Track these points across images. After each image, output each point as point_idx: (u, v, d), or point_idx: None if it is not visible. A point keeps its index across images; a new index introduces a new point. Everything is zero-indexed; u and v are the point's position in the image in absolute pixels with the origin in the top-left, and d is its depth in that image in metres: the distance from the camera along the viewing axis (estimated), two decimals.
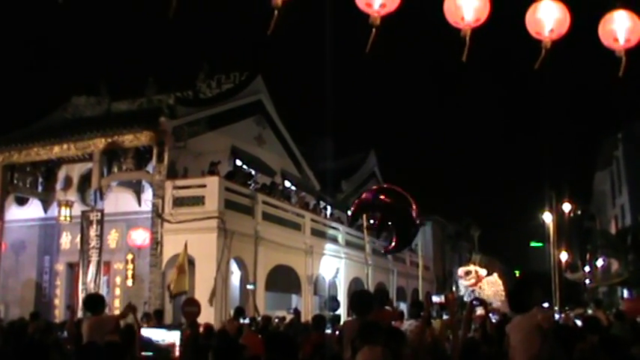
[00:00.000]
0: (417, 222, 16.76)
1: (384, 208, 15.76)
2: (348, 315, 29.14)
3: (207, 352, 7.77)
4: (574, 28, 7.62)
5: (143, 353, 10.57)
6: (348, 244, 35.20)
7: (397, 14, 7.27)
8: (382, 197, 16.08)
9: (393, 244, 16.51)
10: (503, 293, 36.92)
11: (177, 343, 10.69)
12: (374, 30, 7.08)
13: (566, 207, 47.18)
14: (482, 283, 37.48)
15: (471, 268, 39.14)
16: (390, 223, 16.13)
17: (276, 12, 6.84)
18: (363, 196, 17.78)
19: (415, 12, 7.94)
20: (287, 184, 35.03)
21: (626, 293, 39.53)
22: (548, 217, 43.32)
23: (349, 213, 23.37)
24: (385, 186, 19.12)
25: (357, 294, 10.12)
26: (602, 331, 10.26)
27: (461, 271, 40.29)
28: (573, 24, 7.56)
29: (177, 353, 10.53)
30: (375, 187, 25.67)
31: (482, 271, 38.84)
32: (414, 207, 15.81)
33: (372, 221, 17.73)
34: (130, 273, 24.60)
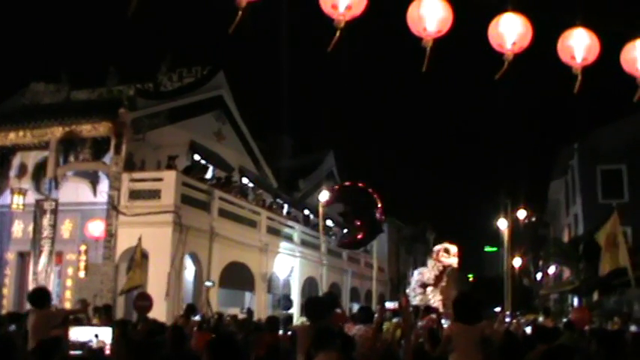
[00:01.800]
0: (381, 223, 16.94)
1: (353, 203, 15.89)
2: (301, 314, 29.20)
3: (149, 350, 7.70)
4: (536, 41, 7.69)
5: (72, 352, 10.44)
6: (303, 243, 35.22)
7: (362, 18, 7.28)
8: (353, 193, 16.22)
9: (354, 240, 16.65)
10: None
11: (109, 341, 10.57)
12: (338, 32, 7.08)
13: (521, 214, 47.56)
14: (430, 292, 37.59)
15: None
16: (356, 219, 16.26)
17: (239, 12, 6.81)
18: (337, 187, 17.95)
19: (381, 17, 7.95)
20: (245, 180, 34.92)
21: (576, 301, 40.04)
22: (503, 223, 43.66)
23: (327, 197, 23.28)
24: (360, 185, 19.24)
25: (312, 300, 10.10)
26: (552, 340, 10.37)
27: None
28: (535, 38, 7.63)
29: (107, 352, 10.41)
30: (348, 182, 25.76)
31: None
32: (379, 207, 15.96)
33: (341, 214, 17.86)
34: (82, 264, 24.26)
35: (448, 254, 38.39)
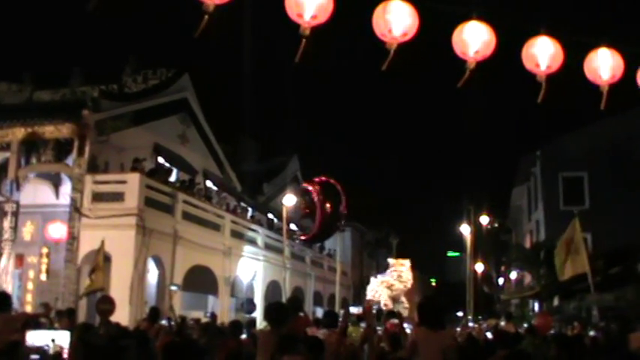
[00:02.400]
0: (342, 219, 17.00)
1: (316, 197, 15.94)
2: (264, 318, 29.15)
3: (110, 355, 7.65)
4: (500, 50, 7.77)
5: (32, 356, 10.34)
6: (267, 246, 35.18)
7: (328, 25, 7.32)
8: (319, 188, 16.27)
9: (313, 234, 16.72)
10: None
11: (67, 345, 10.47)
12: (304, 40, 7.11)
13: (484, 220, 47.94)
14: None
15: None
16: (317, 214, 16.30)
17: (206, 16, 6.81)
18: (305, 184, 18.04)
19: (346, 24, 8.00)
20: (209, 184, 34.82)
21: (537, 306, 40.42)
22: (465, 229, 43.94)
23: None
24: (324, 179, 19.25)
25: (273, 306, 10.10)
26: (513, 345, 10.48)
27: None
28: (499, 46, 7.71)
29: (65, 356, 10.31)
30: (317, 178, 25.75)
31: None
32: (343, 203, 16.03)
33: (304, 207, 17.90)
34: (44, 267, 24.00)
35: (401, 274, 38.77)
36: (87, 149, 24.17)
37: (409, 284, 38.22)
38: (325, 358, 9.19)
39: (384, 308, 29.89)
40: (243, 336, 13.15)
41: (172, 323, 17.03)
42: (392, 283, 37.96)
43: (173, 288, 24.98)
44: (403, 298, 37.96)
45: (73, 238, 23.46)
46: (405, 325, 16.76)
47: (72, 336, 10.66)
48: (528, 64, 7.85)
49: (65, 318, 15.60)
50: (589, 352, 10.65)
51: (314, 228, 16.76)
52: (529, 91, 7.97)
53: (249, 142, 44.72)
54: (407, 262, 38.69)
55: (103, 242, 20.94)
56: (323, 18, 7.19)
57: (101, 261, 20.60)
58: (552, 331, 22.19)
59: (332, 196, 16.07)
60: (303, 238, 18.27)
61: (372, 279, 40.47)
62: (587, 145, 37.35)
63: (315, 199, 16.05)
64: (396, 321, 13.30)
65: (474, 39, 7.60)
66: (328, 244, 48.65)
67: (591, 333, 18.51)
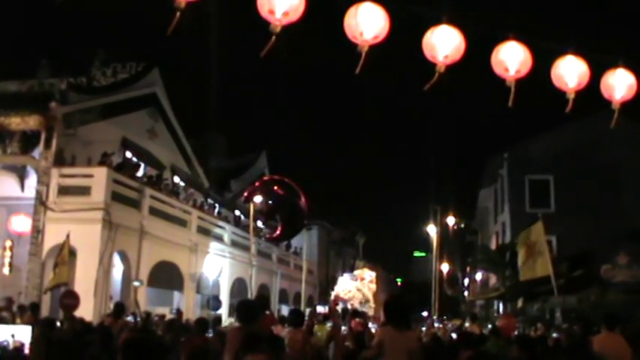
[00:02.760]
0: (304, 214, 17.01)
1: (274, 197, 15.93)
2: (230, 315, 29.14)
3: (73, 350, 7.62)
4: (470, 54, 7.83)
5: None
6: (233, 243, 35.12)
7: (299, 24, 7.34)
8: (275, 187, 16.26)
9: (278, 234, 16.72)
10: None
11: (28, 340, 10.38)
12: (274, 37, 7.12)
13: (451, 220, 48.27)
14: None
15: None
16: (278, 212, 16.30)
17: (178, 13, 6.80)
18: (257, 183, 17.98)
19: (318, 23, 8.02)
20: (176, 179, 34.70)
21: (501, 307, 40.77)
22: (432, 229, 44.19)
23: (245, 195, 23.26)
24: (277, 177, 19.23)
25: (244, 304, 10.11)
26: (477, 346, 10.58)
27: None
28: (469, 51, 7.77)
29: (26, 351, 10.22)
30: (266, 177, 25.78)
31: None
32: (302, 199, 16.05)
33: (260, 208, 17.86)
34: (7, 261, 23.75)
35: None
36: (54, 142, 23.96)
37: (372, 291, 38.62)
38: (291, 357, 9.24)
39: (349, 307, 30.01)
40: (210, 334, 13.15)
41: (137, 319, 17.01)
42: (360, 288, 38.30)
43: (136, 284, 24.89)
44: (370, 300, 38.23)
45: (37, 232, 23.24)
46: (370, 324, 16.86)
47: (34, 331, 10.58)
48: (497, 69, 7.92)
49: (28, 312, 15.51)
50: (551, 353, 10.78)
51: (279, 227, 16.79)
52: (498, 94, 8.05)
53: (218, 138, 44.65)
54: (372, 274, 39.21)
55: (68, 236, 20.79)
56: (295, 16, 7.20)
57: (66, 255, 20.45)
58: (516, 333, 22.46)
59: (290, 193, 16.11)
60: (268, 237, 18.22)
61: (342, 277, 40.65)
62: (553, 148, 37.76)
63: (276, 197, 16.07)
64: (360, 320, 13.35)
65: (444, 43, 7.65)
66: (295, 242, 48.72)
67: (554, 335, 18.70)
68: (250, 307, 9.37)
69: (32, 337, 10.43)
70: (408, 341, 8.29)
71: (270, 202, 16.56)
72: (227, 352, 7.98)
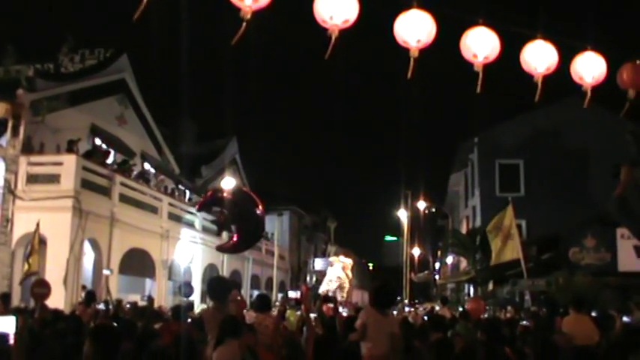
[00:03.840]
0: (263, 224, 17.00)
1: (230, 207, 15.87)
2: (202, 301, 29.11)
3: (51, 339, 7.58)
4: (440, 39, 7.85)
5: None
6: (204, 229, 35.04)
7: (269, 8, 7.32)
8: (231, 197, 16.20)
9: (232, 243, 16.70)
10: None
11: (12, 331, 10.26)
12: (244, 23, 7.10)
13: (421, 205, 48.51)
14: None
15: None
16: (233, 223, 16.23)
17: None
18: (209, 193, 17.93)
19: (287, 8, 8.01)
20: (147, 166, 34.53)
21: (472, 291, 41.09)
22: (403, 214, 44.40)
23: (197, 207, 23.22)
24: (237, 187, 19.10)
25: (215, 280, 10.17)
26: (446, 329, 10.69)
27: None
28: (439, 35, 7.79)
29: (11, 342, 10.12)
30: (219, 189, 25.77)
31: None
32: (260, 208, 16.01)
33: (216, 218, 17.77)
34: None
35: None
36: (21, 130, 23.66)
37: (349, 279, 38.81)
38: (261, 342, 9.28)
39: (320, 293, 30.07)
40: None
41: (109, 307, 16.93)
42: (339, 275, 38.47)
43: (106, 272, 24.76)
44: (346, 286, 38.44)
45: (6, 221, 22.98)
46: (340, 308, 16.92)
47: (17, 321, 10.48)
48: (466, 54, 7.95)
49: None
50: (516, 335, 10.92)
51: (234, 237, 16.73)
52: (468, 80, 8.08)
53: (188, 125, 44.41)
54: (349, 262, 39.34)
55: (38, 225, 20.62)
56: (264, 1, 7.19)
57: (37, 244, 20.31)
58: (486, 316, 22.68)
59: (248, 202, 16.05)
60: (223, 248, 18.09)
61: (316, 263, 40.70)
62: (523, 133, 38.04)
63: (231, 207, 15.96)
64: (331, 305, 13.43)
65: (416, 28, 7.66)
66: (266, 227, 48.66)
67: (524, 323, 18.91)
68: (221, 284, 9.42)
69: (16, 326, 10.31)
70: (390, 324, 8.43)
71: (225, 211, 16.44)
72: (209, 333, 8.00)
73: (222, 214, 17.00)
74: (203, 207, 19.44)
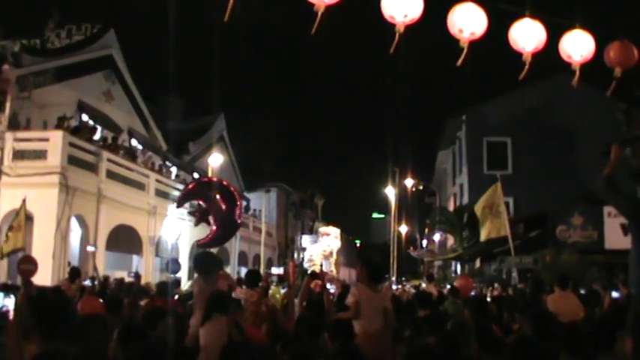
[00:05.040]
0: (238, 224, 17.02)
1: (210, 202, 15.86)
2: (189, 278, 29.11)
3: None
4: (428, 14, 7.80)
5: None
6: (192, 206, 34.96)
7: None
8: (211, 192, 16.17)
9: (210, 238, 16.73)
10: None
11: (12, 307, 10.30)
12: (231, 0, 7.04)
13: (409, 182, 48.53)
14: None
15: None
16: (211, 218, 16.22)
17: None
18: (191, 186, 17.93)
19: None
20: (134, 142, 34.39)
21: (459, 268, 41.30)
22: (390, 191, 44.44)
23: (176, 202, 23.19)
24: (215, 180, 18.98)
25: (203, 255, 10.18)
26: (432, 306, 10.72)
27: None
28: (427, 11, 7.73)
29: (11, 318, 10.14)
30: (206, 179, 25.72)
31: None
32: (238, 207, 16.01)
33: (194, 210, 17.74)
34: None
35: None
36: (8, 105, 23.58)
37: (335, 250, 38.83)
38: (246, 317, 9.30)
39: (307, 267, 30.10)
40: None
41: (95, 283, 16.92)
42: (324, 248, 38.53)
43: (90, 248, 24.72)
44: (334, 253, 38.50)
45: None
46: (328, 285, 16.93)
47: (17, 296, 10.51)
48: (452, 29, 7.90)
49: None
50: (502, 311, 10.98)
51: (211, 232, 16.74)
52: (456, 57, 8.02)
53: (176, 101, 44.24)
54: (336, 230, 39.29)
55: (24, 201, 20.50)
56: None
57: (22, 220, 20.20)
58: (473, 293, 22.79)
59: (228, 201, 16.04)
60: (200, 242, 18.09)
61: (303, 240, 40.72)
62: (511, 111, 38.08)
63: (214, 203, 15.93)
64: (319, 282, 13.42)
65: (404, 3, 7.59)
66: (254, 204, 48.73)
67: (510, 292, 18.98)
68: (208, 259, 9.43)
69: (15, 302, 10.34)
70: (382, 300, 8.43)
71: (205, 206, 16.43)
72: (196, 306, 7.99)
73: (199, 207, 16.99)
74: (183, 201, 19.46)
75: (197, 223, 17.67)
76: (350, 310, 8.32)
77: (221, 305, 7.42)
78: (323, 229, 40.73)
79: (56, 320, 5.75)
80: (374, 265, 8.87)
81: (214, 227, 16.20)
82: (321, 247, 37.76)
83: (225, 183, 17.97)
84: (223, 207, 15.78)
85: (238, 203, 16.17)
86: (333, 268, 35.21)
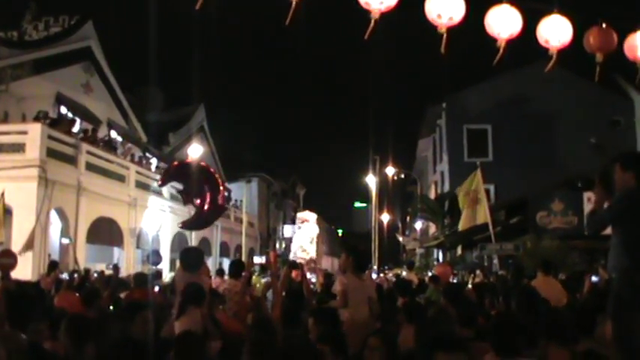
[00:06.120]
0: (221, 206, 17.02)
1: (192, 183, 15.85)
2: (171, 269, 29.04)
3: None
4: (405, 0, 7.76)
5: None
6: (172, 198, 34.83)
7: None
8: (193, 174, 16.17)
9: (193, 219, 16.75)
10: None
11: None
12: None
13: (390, 171, 48.49)
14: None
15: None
16: (195, 200, 16.19)
17: None
18: (174, 166, 17.90)
19: None
20: (113, 134, 34.22)
21: (441, 256, 41.44)
22: (371, 180, 44.42)
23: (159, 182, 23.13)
24: (201, 164, 18.95)
25: (188, 251, 10.15)
26: (411, 293, 10.72)
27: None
28: None
29: None
30: (188, 161, 25.71)
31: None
32: (221, 191, 16.01)
33: (180, 191, 17.66)
34: None
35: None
36: None
37: (316, 235, 38.59)
38: (229, 308, 9.27)
39: (290, 259, 30.06)
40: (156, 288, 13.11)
41: (75, 276, 16.84)
42: (311, 235, 38.33)
43: (65, 241, 24.61)
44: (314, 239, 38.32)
45: None
46: (308, 274, 16.93)
47: None
48: (430, 15, 7.87)
49: None
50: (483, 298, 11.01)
51: (194, 215, 16.79)
52: (436, 44, 8.00)
53: (155, 92, 44.07)
54: (313, 216, 39.07)
55: (2, 194, 20.42)
56: None
57: (1, 214, 20.10)
58: (455, 280, 22.87)
59: (211, 183, 16.05)
60: (183, 224, 18.13)
61: (285, 229, 40.55)
62: (490, 98, 38.16)
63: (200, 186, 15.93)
64: (298, 271, 13.42)
65: None
66: (235, 195, 48.61)
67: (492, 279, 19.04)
68: (194, 254, 9.41)
69: None
70: (367, 289, 8.47)
71: (189, 186, 16.42)
72: (177, 299, 7.97)
73: (186, 190, 16.95)
74: (166, 180, 19.41)
75: (186, 203, 17.61)
76: (338, 299, 8.33)
77: (196, 298, 7.38)
78: (300, 214, 40.49)
79: (28, 313, 5.74)
80: (360, 254, 8.87)
81: (199, 209, 16.18)
82: (308, 235, 37.51)
83: (206, 165, 17.97)
84: (206, 188, 15.76)
85: (222, 187, 16.14)
86: (314, 255, 35.04)
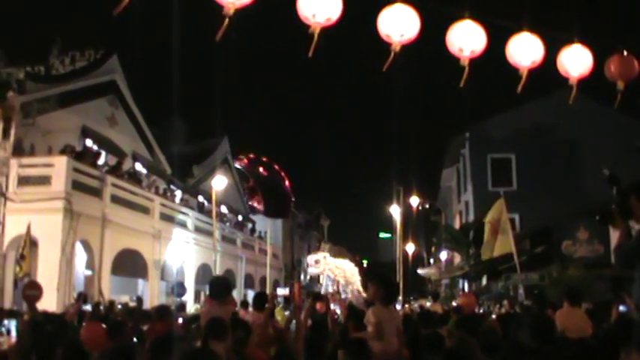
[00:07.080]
0: (288, 194, 17.20)
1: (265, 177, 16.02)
2: (195, 301, 29.07)
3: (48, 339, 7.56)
4: (425, 33, 7.80)
5: None
6: (197, 229, 35.02)
7: (253, 7, 7.27)
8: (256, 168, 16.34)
9: (263, 208, 16.85)
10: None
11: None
12: (227, 20, 7.04)
13: (414, 201, 48.37)
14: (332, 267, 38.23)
15: (319, 256, 39.80)
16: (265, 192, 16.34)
17: None
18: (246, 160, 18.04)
19: (270, 6, 7.96)
20: (138, 166, 34.42)
21: (466, 286, 41.18)
22: (395, 210, 44.28)
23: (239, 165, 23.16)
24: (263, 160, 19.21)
25: (217, 280, 10.20)
26: (434, 324, 10.66)
27: (310, 259, 40.96)
28: (424, 29, 7.74)
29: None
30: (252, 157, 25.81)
31: (331, 259, 39.42)
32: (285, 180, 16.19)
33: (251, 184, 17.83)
34: None
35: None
36: (12, 132, 23.67)
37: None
38: (252, 340, 9.26)
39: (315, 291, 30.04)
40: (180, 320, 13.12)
41: (101, 308, 16.91)
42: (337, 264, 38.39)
43: (88, 272, 24.74)
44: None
45: None
46: (332, 305, 16.91)
47: (19, 323, 10.51)
48: (452, 48, 7.90)
49: None
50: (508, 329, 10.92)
51: (261, 203, 17.00)
52: (457, 74, 8.02)
53: (179, 124, 44.31)
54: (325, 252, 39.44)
55: (29, 227, 20.59)
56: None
57: (27, 246, 20.25)
58: (481, 310, 22.72)
59: (273, 173, 16.30)
60: (255, 205, 18.44)
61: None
62: (514, 127, 38.11)
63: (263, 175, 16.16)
64: (323, 302, 13.41)
65: (399, 22, 7.60)
66: (259, 226, 48.68)
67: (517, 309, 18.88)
68: (223, 284, 9.44)
69: (17, 328, 10.37)
70: (396, 319, 8.49)
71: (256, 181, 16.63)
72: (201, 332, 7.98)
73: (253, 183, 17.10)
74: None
75: (249, 199, 17.76)
76: (371, 331, 8.26)
77: (217, 333, 7.35)
78: (319, 255, 40.57)
79: (53, 348, 5.78)
80: (391, 286, 8.89)
81: (264, 198, 16.35)
82: (334, 263, 37.61)
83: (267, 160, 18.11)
84: (267, 176, 15.96)
85: (285, 178, 16.31)
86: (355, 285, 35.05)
